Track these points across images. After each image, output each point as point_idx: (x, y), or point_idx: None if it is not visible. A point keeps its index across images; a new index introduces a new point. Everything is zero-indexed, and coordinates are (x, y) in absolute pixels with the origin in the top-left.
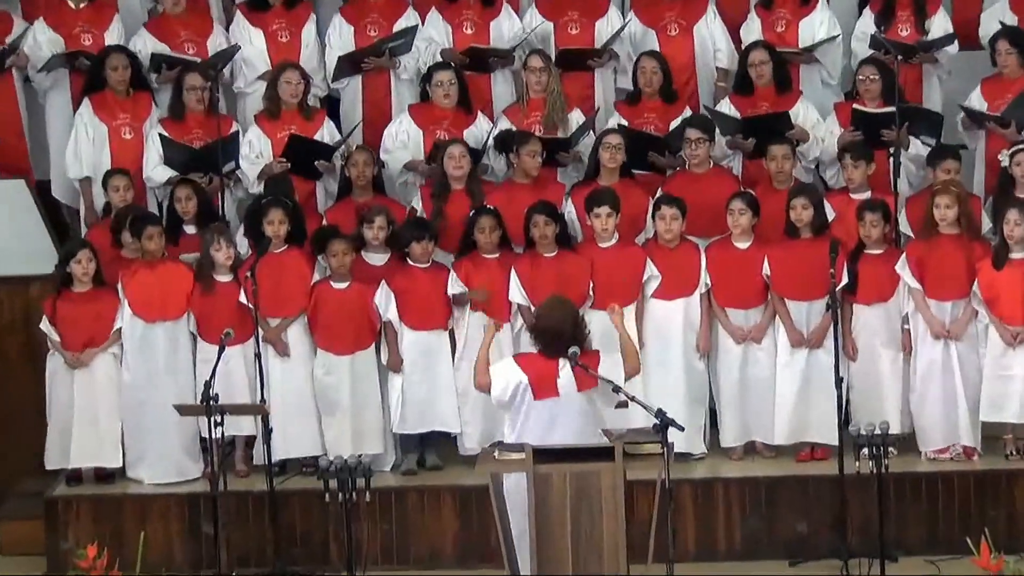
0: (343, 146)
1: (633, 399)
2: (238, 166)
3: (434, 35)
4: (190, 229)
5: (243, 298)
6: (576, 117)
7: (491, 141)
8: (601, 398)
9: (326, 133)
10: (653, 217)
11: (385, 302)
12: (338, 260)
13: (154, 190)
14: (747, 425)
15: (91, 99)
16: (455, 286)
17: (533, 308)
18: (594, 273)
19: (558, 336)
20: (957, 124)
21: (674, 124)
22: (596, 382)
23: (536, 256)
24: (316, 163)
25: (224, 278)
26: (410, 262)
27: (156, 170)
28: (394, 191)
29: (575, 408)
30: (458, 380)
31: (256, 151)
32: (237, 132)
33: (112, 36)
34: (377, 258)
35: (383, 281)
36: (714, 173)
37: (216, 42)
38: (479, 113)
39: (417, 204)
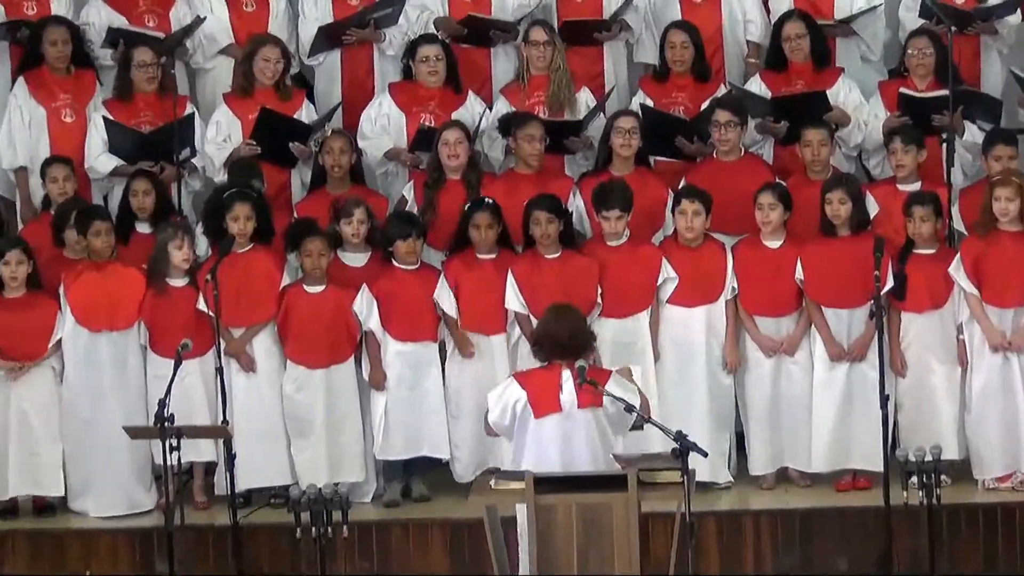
0: (319, 131)
1: (649, 420)
2: (194, 153)
3: (428, 1)
4: (143, 227)
5: (202, 304)
6: (585, 98)
7: (484, 125)
8: (612, 419)
9: (304, 116)
10: (673, 212)
11: (366, 309)
12: (313, 260)
13: (99, 182)
14: (779, 450)
15: (27, 77)
16: (442, 292)
17: (533, 317)
18: (603, 276)
19: (562, 349)
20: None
21: (706, 106)
22: (602, 400)
23: (537, 257)
24: (291, 146)
25: (180, 282)
26: (395, 263)
27: (100, 159)
28: (374, 183)
29: (582, 430)
30: (449, 398)
31: (224, 134)
32: (193, 115)
33: (60, 4)
34: (356, 258)
35: (364, 285)
36: (745, 162)
37: (180, 13)
38: (469, 93)
39: (408, 194)
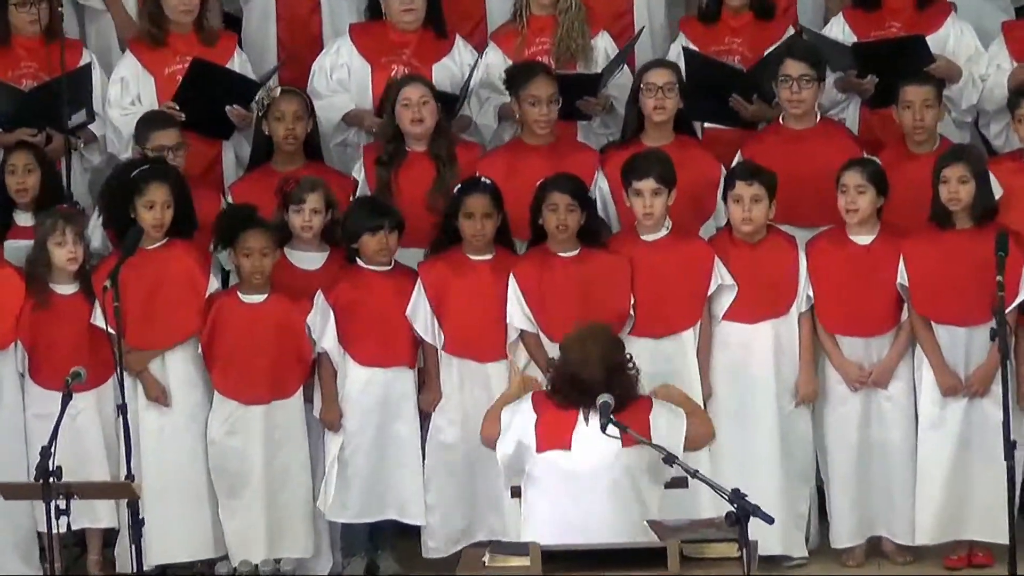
0: (263, 90)
1: (696, 474)
2: (91, 118)
3: None
4: (24, 218)
5: (98, 319)
6: (604, 44)
7: (475, 80)
8: (647, 471)
9: (237, 67)
10: (725, 197)
11: (320, 324)
12: (252, 261)
13: None
14: (871, 514)
15: None
16: (418, 306)
17: (544, 336)
18: (635, 280)
19: (587, 386)
20: None
21: (770, 53)
22: (634, 439)
23: (549, 256)
24: (228, 110)
25: (68, 288)
26: (360, 263)
27: None
28: (330, 158)
29: (605, 482)
30: (430, 444)
31: (131, 95)
32: (89, 67)
33: None
34: (310, 258)
35: (319, 292)
36: (822, 130)
37: None
38: (457, 39)
39: (359, 174)
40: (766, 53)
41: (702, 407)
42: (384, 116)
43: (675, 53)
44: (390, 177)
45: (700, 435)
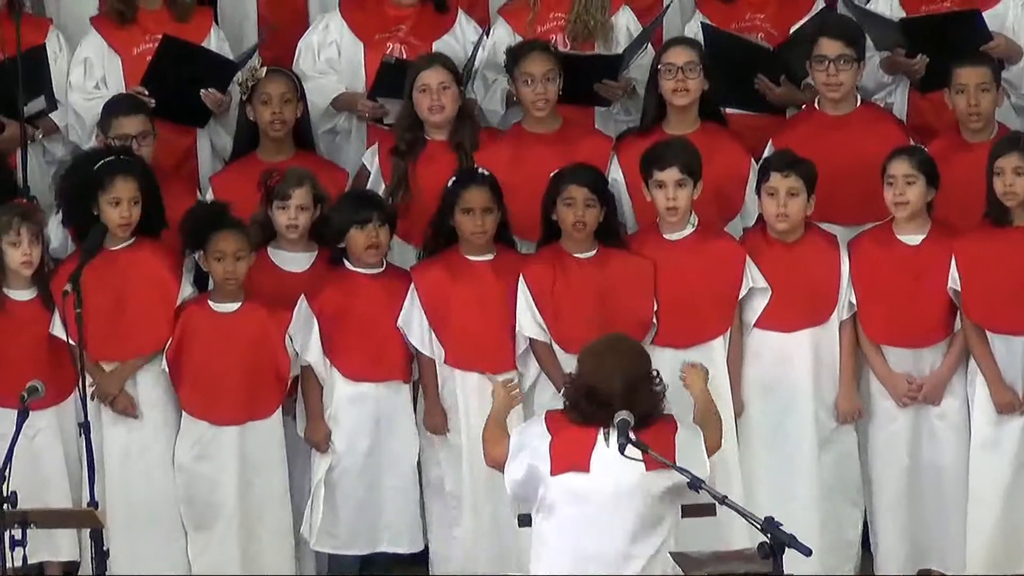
0: (245, 69)
1: (725, 500)
2: (52, 106)
3: None
4: None
5: (58, 329)
6: (626, 21)
7: (479, 62)
8: (672, 498)
9: (214, 45)
10: (758, 190)
11: (303, 334)
12: (225, 266)
13: None
14: (921, 545)
15: None
16: (411, 315)
17: (557, 346)
18: (657, 286)
19: (605, 400)
20: None
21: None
22: (659, 467)
23: (563, 257)
24: (203, 94)
25: (24, 294)
26: (348, 265)
27: None
28: (318, 146)
29: (626, 508)
30: (432, 462)
31: (95, 78)
32: (44, 47)
33: None
34: (296, 259)
35: (301, 299)
36: (864, 115)
37: None
38: (460, 14)
39: (371, 164)
40: (794, 28)
41: (718, 411)
42: (380, 102)
43: (692, 32)
44: (407, 169)
45: (710, 447)
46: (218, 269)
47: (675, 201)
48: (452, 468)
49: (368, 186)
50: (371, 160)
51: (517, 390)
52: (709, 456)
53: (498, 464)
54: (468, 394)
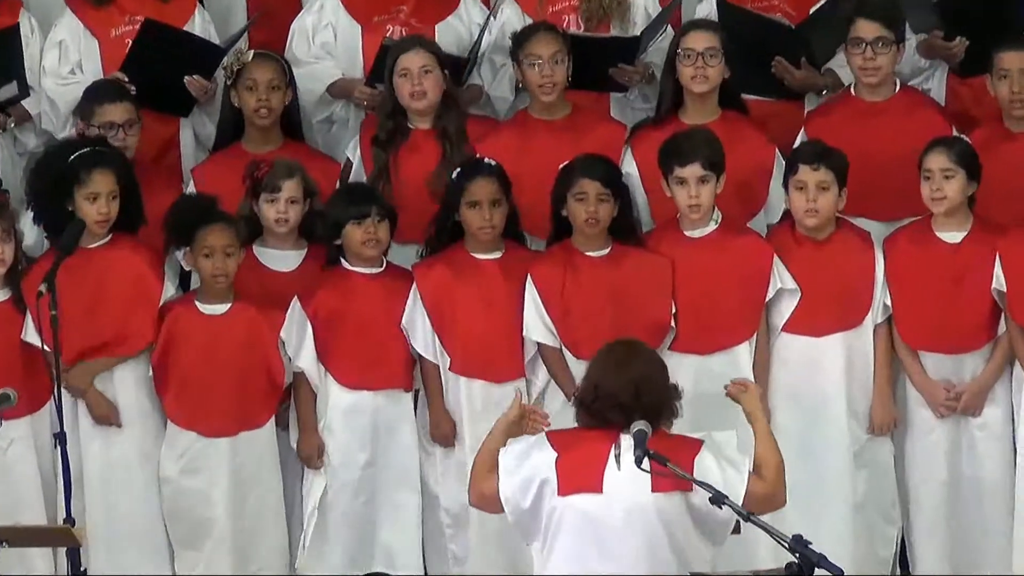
0: (231, 54)
1: (750, 517)
2: (24, 92)
3: None
4: None
5: (31, 334)
6: (644, 1)
7: (485, 45)
8: (693, 524)
9: (198, 29)
10: (785, 184)
11: (296, 338)
12: (214, 262)
13: None
14: (960, 564)
15: None
16: (415, 316)
17: (568, 351)
18: (677, 287)
19: (622, 413)
20: None
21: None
22: (685, 485)
23: (574, 255)
24: (188, 80)
25: None
26: (345, 264)
27: None
28: (312, 137)
29: (640, 528)
30: (431, 479)
31: (71, 62)
32: (17, 28)
33: None
34: (285, 257)
35: (295, 300)
36: (901, 102)
37: None
38: None
39: (354, 155)
40: (816, 7)
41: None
42: (380, 87)
43: (705, 11)
44: (388, 159)
45: (761, 499)
46: (206, 266)
47: (698, 199)
48: (452, 483)
49: (351, 179)
50: (354, 151)
51: (546, 420)
52: (763, 508)
53: (485, 500)
54: (473, 403)
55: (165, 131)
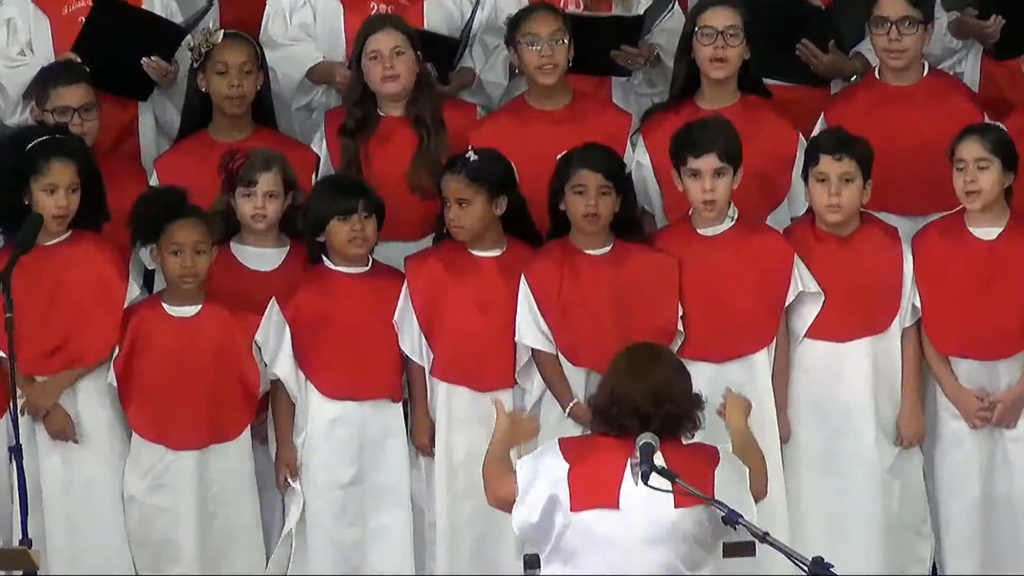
0: (198, 31)
1: (766, 538)
2: None
3: None
4: None
5: None
6: None
7: (477, 22)
8: (705, 538)
9: (158, 7)
10: (805, 176)
11: (273, 343)
12: (183, 261)
13: None
14: None
15: None
16: (405, 314)
17: (564, 359)
18: (686, 287)
19: (641, 422)
20: None
21: None
22: (699, 502)
23: (573, 253)
24: (145, 62)
25: None
26: (328, 263)
27: None
28: (290, 126)
29: (662, 547)
30: (416, 491)
31: (20, 43)
32: None
33: None
34: (263, 255)
35: (272, 302)
36: (930, 87)
37: None
38: None
39: (319, 149)
40: None
41: (761, 453)
42: (350, 72)
43: None
44: (358, 151)
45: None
46: (174, 264)
47: (712, 193)
48: (431, 495)
49: (320, 172)
50: (320, 144)
51: (533, 424)
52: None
53: (504, 503)
54: (453, 412)
55: (122, 116)
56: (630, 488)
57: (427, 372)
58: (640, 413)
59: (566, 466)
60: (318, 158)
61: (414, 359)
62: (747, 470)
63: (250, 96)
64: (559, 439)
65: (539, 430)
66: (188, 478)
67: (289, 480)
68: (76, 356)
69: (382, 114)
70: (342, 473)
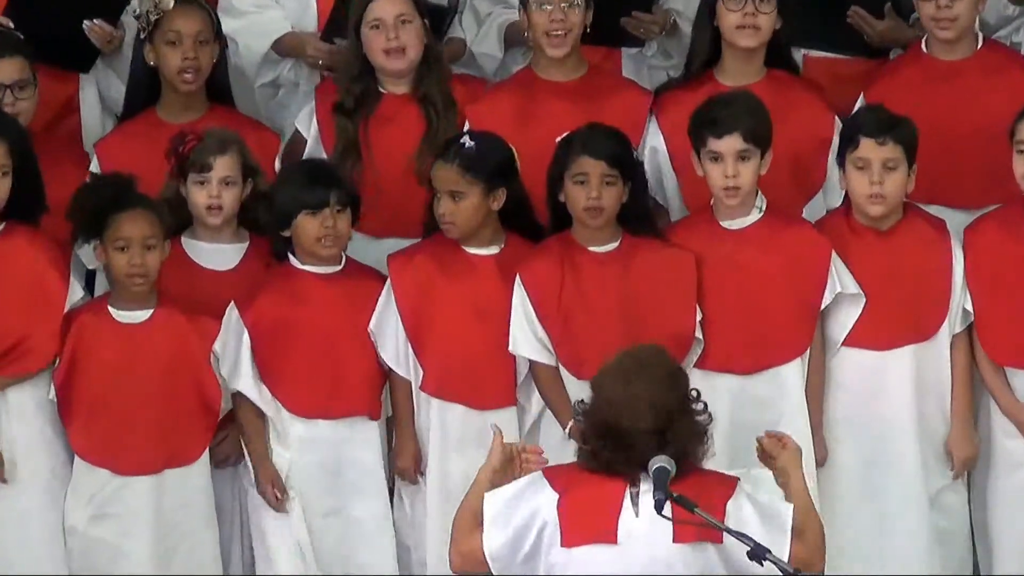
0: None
1: (798, 574)
2: None
3: None
4: None
5: None
6: None
7: None
8: (726, 567)
9: None
10: (842, 162)
11: (232, 354)
12: (131, 258)
13: None
14: None
15: None
16: (385, 318)
17: (566, 371)
18: (706, 287)
19: (632, 440)
20: None
21: None
22: (714, 534)
23: (575, 251)
24: (87, 25)
25: None
26: (295, 262)
27: None
28: (252, 105)
29: None
30: (404, 525)
31: None
32: None
33: None
34: (220, 252)
35: (231, 307)
36: (985, 60)
37: None
38: None
39: (306, 128)
40: None
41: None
42: (339, 42)
43: None
44: (357, 132)
45: (798, 564)
46: (121, 262)
47: (736, 179)
48: (418, 523)
49: (306, 155)
50: (307, 123)
51: (538, 457)
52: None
53: (468, 562)
54: (447, 433)
55: (61, 91)
56: (629, 519)
57: (414, 387)
58: (635, 444)
59: (555, 496)
60: (296, 140)
61: (399, 372)
62: (789, 507)
63: (207, 70)
64: (544, 469)
65: (546, 462)
66: (139, 508)
67: (279, 495)
68: (9, 364)
69: (384, 91)
70: (315, 502)
